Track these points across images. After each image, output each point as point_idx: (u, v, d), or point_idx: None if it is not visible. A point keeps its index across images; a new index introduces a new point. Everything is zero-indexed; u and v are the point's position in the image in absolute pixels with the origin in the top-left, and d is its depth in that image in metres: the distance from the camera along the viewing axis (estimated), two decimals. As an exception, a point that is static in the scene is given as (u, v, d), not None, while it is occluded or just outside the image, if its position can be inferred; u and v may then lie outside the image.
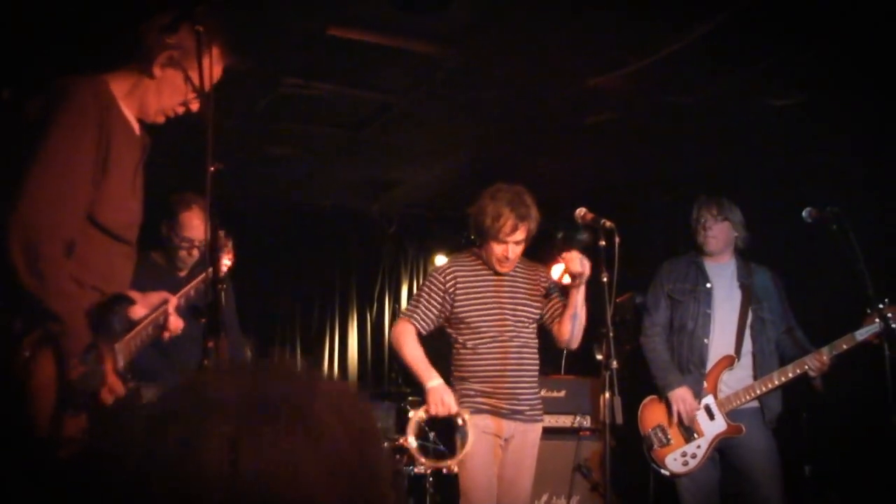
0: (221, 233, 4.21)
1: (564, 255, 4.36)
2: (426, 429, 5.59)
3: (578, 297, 4.41)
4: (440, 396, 4.36)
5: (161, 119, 3.02)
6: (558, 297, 4.56)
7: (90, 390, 2.67)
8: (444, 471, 5.43)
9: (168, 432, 0.92)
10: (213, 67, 2.95)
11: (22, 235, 2.59)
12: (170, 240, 4.59)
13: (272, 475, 0.89)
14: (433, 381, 4.41)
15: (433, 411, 4.38)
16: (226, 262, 4.09)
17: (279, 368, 1.03)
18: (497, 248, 4.43)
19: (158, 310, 3.03)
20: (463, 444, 4.36)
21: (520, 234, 4.40)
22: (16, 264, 2.58)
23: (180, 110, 3.00)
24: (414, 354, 4.50)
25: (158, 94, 2.95)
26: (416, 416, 4.51)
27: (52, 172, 2.67)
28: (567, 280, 4.56)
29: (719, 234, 5.03)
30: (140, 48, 2.94)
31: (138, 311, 3.02)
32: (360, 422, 0.98)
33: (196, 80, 2.90)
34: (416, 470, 5.59)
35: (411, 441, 4.65)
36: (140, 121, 3.02)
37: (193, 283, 3.45)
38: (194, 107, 2.98)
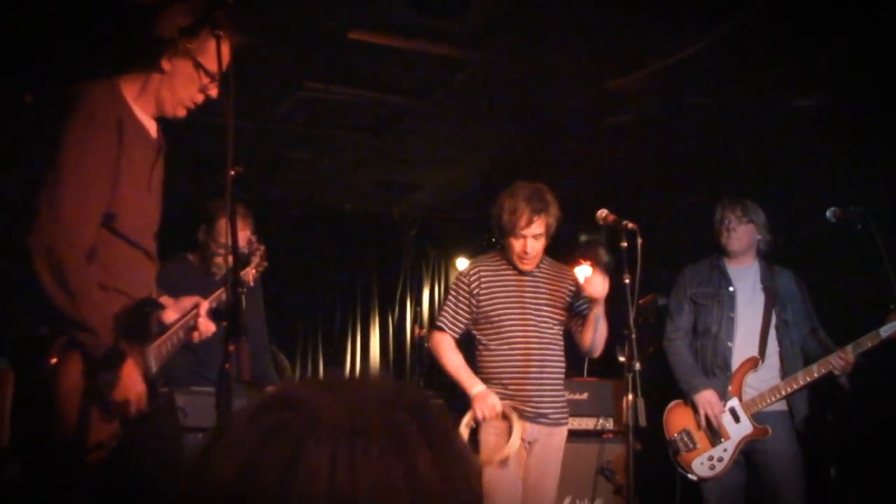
0: (254, 238, 4.24)
1: (586, 277, 4.33)
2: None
3: (598, 311, 4.39)
4: (485, 401, 4.34)
5: (182, 112, 3.00)
6: (582, 302, 4.54)
7: (114, 399, 2.68)
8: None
9: (270, 448, 0.91)
10: (212, 47, 2.91)
11: (45, 246, 2.61)
12: (206, 245, 4.64)
13: (367, 497, 0.88)
14: (477, 387, 4.39)
15: (480, 416, 4.35)
16: (254, 269, 4.13)
17: (373, 385, 1.01)
18: (515, 244, 4.41)
19: (189, 314, 3.03)
20: (507, 440, 4.33)
21: (537, 228, 4.38)
22: (42, 277, 2.60)
23: (199, 98, 2.98)
24: (455, 363, 4.49)
25: (171, 86, 2.93)
26: (465, 424, 4.46)
27: (69, 181, 2.68)
28: (580, 274, 4.52)
29: (743, 236, 5.00)
30: (146, 47, 2.93)
31: (170, 316, 3.03)
32: (447, 442, 0.97)
33: (206, 65, 2.88)
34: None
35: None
36: (159, 120, 3.02)
37: (222, 289, 3.46)
38: (213, 92, 2.95)
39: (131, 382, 2.69)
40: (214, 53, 2.85)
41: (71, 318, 2.62)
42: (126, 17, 4.22)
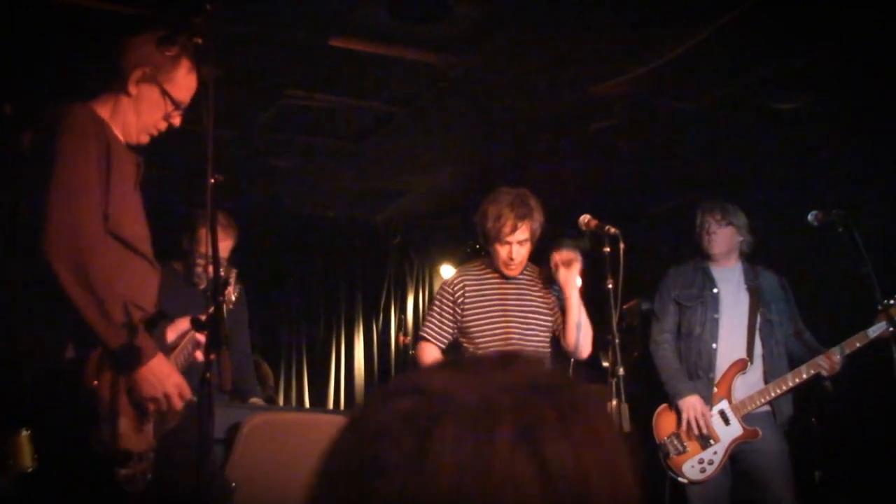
0: (225, 261, 4.22)
1: (555, 250, 4.35)
2: None
3: (574, 300, 4.37)
4: None
5: (145, 139, 3.01)
6: (559, 303, 4.53)
7: (158, 397, 2.66)
8: None
9: (398, 435, 0.88)
10: (184, 80, 2.94)
11: (65, 259, 2.59)
12: (189, 253, 4.63)
13: (496, 484, 0.85)
14: None
15: None
16: (230, 290, 4.13)
17: (509, 367, 0.96)
18: (501, 251, 4.40)
19: (186, 336, 3.03)
20: None
21: (521, 234, 4.37)
22: (68, 288, 2.58)
23: (162, 126, 2.99)
24: None
25: (137, 112, 2.94)
26: None
27: (68, 194, 2.68)
28: (562, 278, 4.51)
29: (723, 240, 5.01)
30: (115, 71, 2.93)
31: (170, 336, 3.03)
32: (588, 428, 0.92)
33: (175, 94, 2.90)
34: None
35: None
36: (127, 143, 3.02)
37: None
38: (176, 121, 2.98)
39: (165, 374, 2.68)
40: (181, 83, 2.92)
41: (94, 320, 2.59)
42: (103, 30, 4.22)
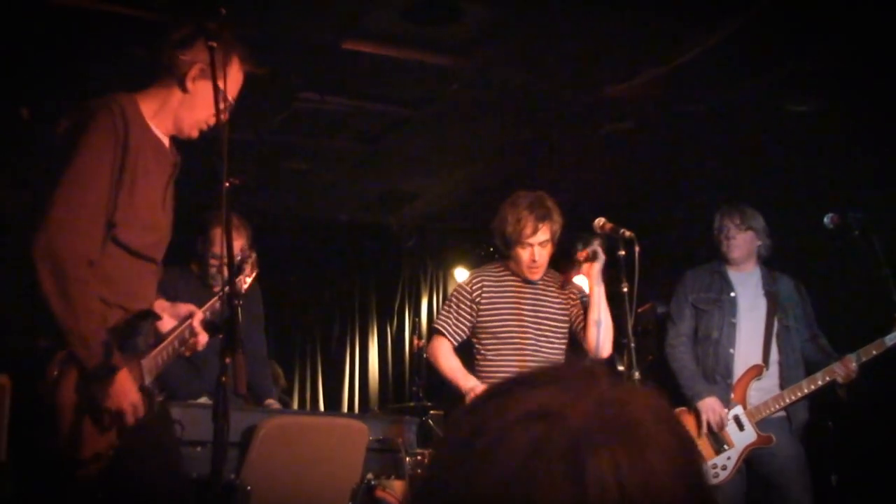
0: (245, 245, 4.23)
1: (580, 248, 4.35)
2: None
3: (597, 296, 4.36)
4: (476, 391, 4.32)
5: (195, 134, 3.03)
6: (582, 306, 4.51)
7: (110, 411, 2.67)
8: None
9: (541, 469, 0.88)
10: (235, 75, 2.96)
11: (51, 258, 2.61)
12: (203, 255, 4.66)
13: (655, 497, 0.87)
14: (470, 382, 4.36)
15: None
16: (245, 276, 4.13)
17: (597, 381, 0.98)
18: (523, 254, 4.40)
19: (185, 325, 3.03)
20: None
21: (542, 235, 4.36)
22: (44, 286, 2.60)
23: (213, 122, 3.00)
24: (450, 365, 4.47)
25: (192, 107, 2.96)
26: None
27: (77, 195, 2.69)
28: (583, 283, 4.50)
29: (742, 244, 4.98)
30: (164, 65, 2.95)
31: (166, 324, 3.03)
32: (685, 433, 0.96)
33: (226, 90, 2.90)
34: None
35: None
36: (172, 137, 3.04)
37: (217, 297, 3.45)
38: (225, 117, 2.98)
39: (125, 391, 2.69)
40: (234, 77, 2.95)
41: (65, 327, 2.62)
42: (141, 35, 4.24)
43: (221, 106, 2.92)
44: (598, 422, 0.90)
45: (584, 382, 0.96)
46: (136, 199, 2.82)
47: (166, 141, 3.01)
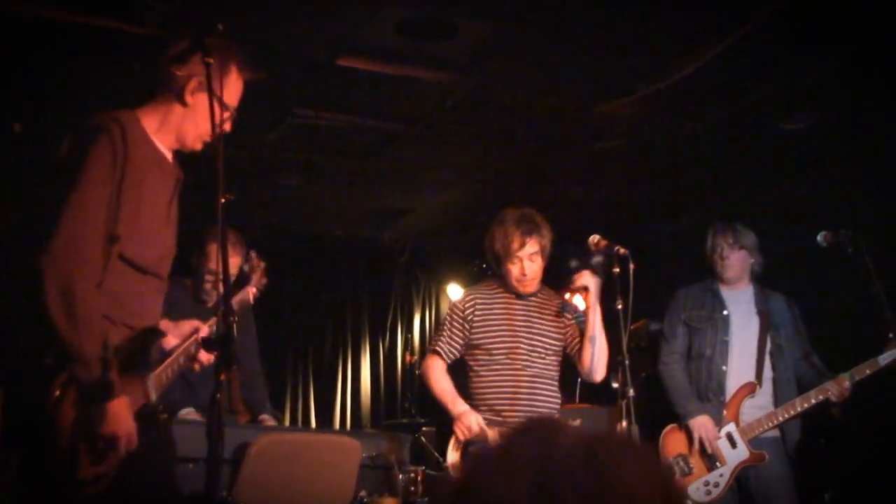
0: (254, 255, 4.24)
1: (576, 275, 4.35)
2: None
3: (594, 318, 4.36)
4: (466, 422, 4.32)
5: (199, 146, 3.01)
6: (577, 325, 4.51)
7: (105, 439, 2.65)
8: None
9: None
10: (234, 84, 2.95)
11: (57, 277, 2.60)
12: (198, 271, 4.67)
13: None
14: (459, 407, 4.37)
15: (462, 438, 4.34)
16: (254, 287, 4.14)
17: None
18: (513, 269, 4.41)
19: (189, 340, 3.02)
20: None
21: (531, 247, 4.38)
22: (51, 306, 2.59)
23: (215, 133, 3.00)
24: (441, 387, 4.49)
25: (194, 121, 2.95)
26: (452, 447, 4.42)
27: (83, 214, 2.68)
28: (579, 302, 4.51)
29: (736, 263, 4.99)
30: (162, 80, 2.94)
31: (170, 342, 3.02)
32: (664, 479, 1.14)
33: (226, 99, 2.90)
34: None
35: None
36: (175, 152, 3.03)
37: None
38: (227, 127, 2.97)
39: (121, 419, 2.66)
40: (232, 87, 2.94)
41: (69, 346, 2.60)
42: (138, 49, 4.24)
43: (223, 116, 2.93)
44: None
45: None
46: (141, 215, 2.82)
47: (169, 156, 3.00)
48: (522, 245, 4.36)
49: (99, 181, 2.71)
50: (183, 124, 2.95)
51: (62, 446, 2.58)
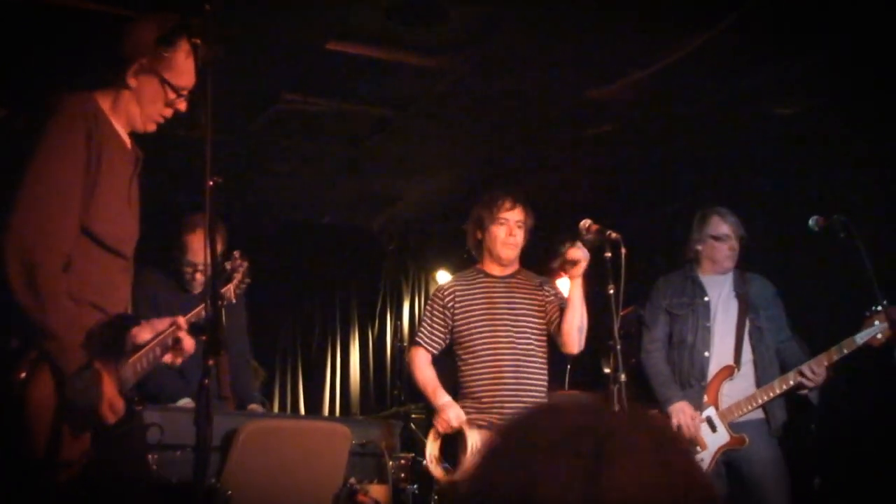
0: (237, 254, 4.21)
1: (568, 246, 4.33)
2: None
3: (576, 291, 4.35)
4: (445, 415, 4.32)
5: (152, 127, 3.01)
6: (559, 304, 4.50)
7: (88, 409, 2.61)
8: None
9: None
10: (182, 65, 2.93)
11: (19, 252, 2.57)
12: (178, 261, 4.66)
13: None
14: (440, 399, 4.37)
15: (441, 430, 4.33)
16: (234, 285, 4.08)
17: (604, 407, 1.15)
18: (498, 232, 4.42)
19: (166, 332, 2.98)
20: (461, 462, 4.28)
21: (518, 214, 4.40)
22: (13, 282, 2.56)
23: (168, 113, 2.99)
24: (424, 378, 4.50)
25: (139, 103, 2.94)
26: (431, 439, 4.42)
27: (43, 187, 2.66)
28: (564, 290, 4.50)
29: (732, 254, 4.99)
30: (114, 63, 2.92)
31: (144, 335, 2.96)
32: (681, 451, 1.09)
33: (174, 80, 2.90)
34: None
35: (436, 470, 4.49)
36: (132, 134, 3.01)
37: (202, 305, 3.39)
38: (181, 106, 2.97)
39: (101, 389, 2.63)
40: (181, 68, 2.91)
41: (38, 324, 2.57)
42: (100, 30, 4.18)
43: (172, 97, 2.92)
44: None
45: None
46: (104, 193, 2.80)
47: (126, 137, 2.99)
48: (513, 207, 4.39)
49: (58, 155, 2.70)
50: (129, 106, 2.94)
51: (32, 429, 2.54)
